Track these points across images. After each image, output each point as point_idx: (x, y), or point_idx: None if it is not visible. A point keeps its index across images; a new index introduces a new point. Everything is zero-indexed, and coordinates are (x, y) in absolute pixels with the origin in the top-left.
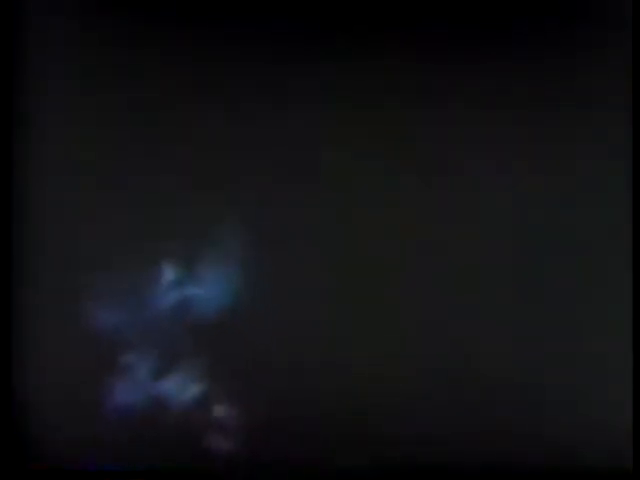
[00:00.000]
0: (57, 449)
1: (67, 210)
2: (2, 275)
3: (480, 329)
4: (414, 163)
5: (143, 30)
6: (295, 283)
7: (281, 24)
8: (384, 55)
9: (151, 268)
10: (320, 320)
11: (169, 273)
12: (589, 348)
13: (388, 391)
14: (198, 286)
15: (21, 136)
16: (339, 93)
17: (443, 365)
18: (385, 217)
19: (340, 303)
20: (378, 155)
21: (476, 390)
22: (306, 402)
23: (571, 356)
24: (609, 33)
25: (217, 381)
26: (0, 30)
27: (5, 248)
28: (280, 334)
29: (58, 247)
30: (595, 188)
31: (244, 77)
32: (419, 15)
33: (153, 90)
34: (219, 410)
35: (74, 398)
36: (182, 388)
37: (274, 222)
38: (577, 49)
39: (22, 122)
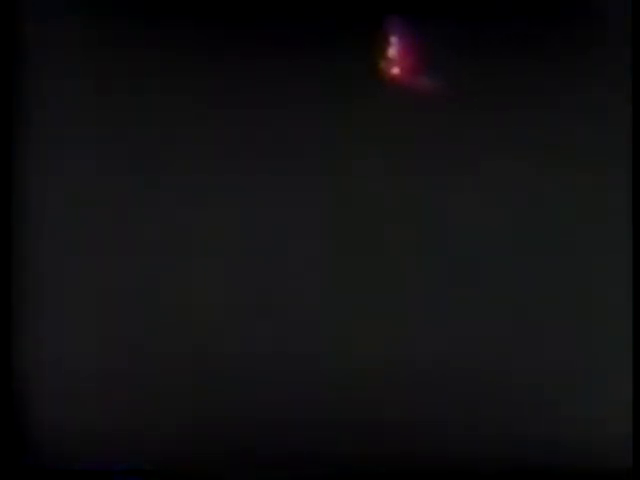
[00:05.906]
0: (57, 449)
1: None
2: None
3: (479, 329)
4: (414, 163)
5: (144, 30)
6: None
7: (280, 24)
8: (384, 55)
9: None
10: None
11: None
12: (589, 348)
13: (387, 400)
14: None
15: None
16: (338, 94)
17: (440, 365)
18: (383, 229)
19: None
20: (377, 155)
21: (475, 390)
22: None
23: (571, 356)
24: (609, 33)
25: None
26: (0, 30)
27: None
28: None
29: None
30: (595, 188)
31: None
32: (419, 15)
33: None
34: None
35: None
36: None
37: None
38: (577, 49)
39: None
